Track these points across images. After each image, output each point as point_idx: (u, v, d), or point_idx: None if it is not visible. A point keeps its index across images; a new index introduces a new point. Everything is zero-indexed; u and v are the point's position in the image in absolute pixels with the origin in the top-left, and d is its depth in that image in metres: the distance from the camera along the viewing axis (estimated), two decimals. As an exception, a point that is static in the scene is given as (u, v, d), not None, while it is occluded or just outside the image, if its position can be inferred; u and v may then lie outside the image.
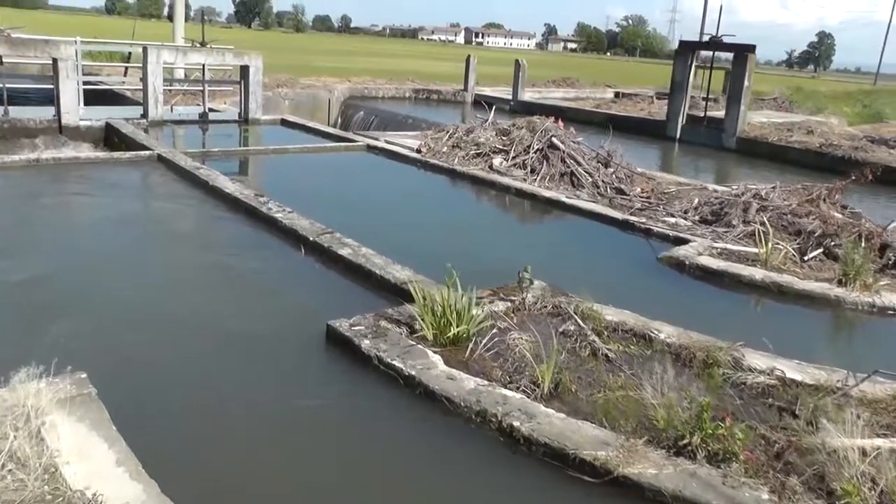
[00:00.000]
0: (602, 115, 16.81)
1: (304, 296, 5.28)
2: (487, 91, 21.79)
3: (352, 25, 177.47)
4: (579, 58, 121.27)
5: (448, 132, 11.51)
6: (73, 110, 11.13)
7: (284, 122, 13.32)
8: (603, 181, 9.68)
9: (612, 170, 10.08)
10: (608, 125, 15.61)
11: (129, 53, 16.94)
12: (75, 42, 11.21)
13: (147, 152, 9.35)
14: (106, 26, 41.74)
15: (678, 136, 15.48)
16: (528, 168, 9.81)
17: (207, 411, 3.59)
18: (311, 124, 13.06)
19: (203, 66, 12.67)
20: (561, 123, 10.94)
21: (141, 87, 13.45)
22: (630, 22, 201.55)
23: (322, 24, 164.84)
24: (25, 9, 79.42)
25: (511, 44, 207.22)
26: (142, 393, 3.70)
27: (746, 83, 14.39)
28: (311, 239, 6.21)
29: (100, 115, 11.67)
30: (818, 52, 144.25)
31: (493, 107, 11.65)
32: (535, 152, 9.95)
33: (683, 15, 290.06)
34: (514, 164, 9.89)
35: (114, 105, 12.95)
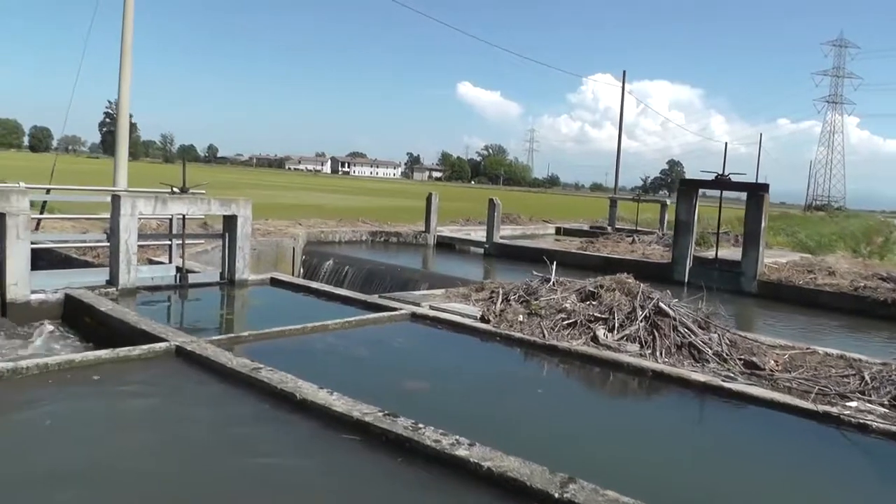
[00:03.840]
0: (596, 258, 15.64)
1: None
2: (446, 232, 20.32)
3: (218, 155, 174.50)
4: (452, 187, 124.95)
5: (498, 293, 9.67)
6: (23, 280, 8.30)
7: (275, 282, 10.94)
8: (727, 353, 8.15)
9: (715, 335, 8.59)
10: (605, 269, 14.50)
11: (44, 203, 14.05)
12: (27, 190, 8.53)
13: (161, 345, 6.75)
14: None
15: (686, 279, 14.46)
16: (641, 341, 8.09)
17: None
18: (314, 285, 10.78)
19: (183, 217, 10.22)
20: (632, 278, 9.47)
21: (92, 243, 10.81)
22: (490, 151, 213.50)
23: (188, 153, 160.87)
24: None
25: (377, 173, 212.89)
26: None
27: (763, 224, 13.76)
28: (556, 495, 4.04)
29: (55, 284, 8.86)
30: (670, 179, 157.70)
31: (554, 263, 9.93)
32: (643, 320, 8.28)
33: (540, 144, 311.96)
34: (624, 337, 8.13)
35: (63, 269, 10.08)
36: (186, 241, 11.54)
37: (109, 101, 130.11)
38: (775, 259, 15.65)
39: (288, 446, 4.95)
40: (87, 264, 11.37)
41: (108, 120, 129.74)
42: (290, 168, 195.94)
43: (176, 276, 10.08)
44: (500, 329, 8.40)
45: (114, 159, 14.12)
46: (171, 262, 10.82)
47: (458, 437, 4.77)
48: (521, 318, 8.65)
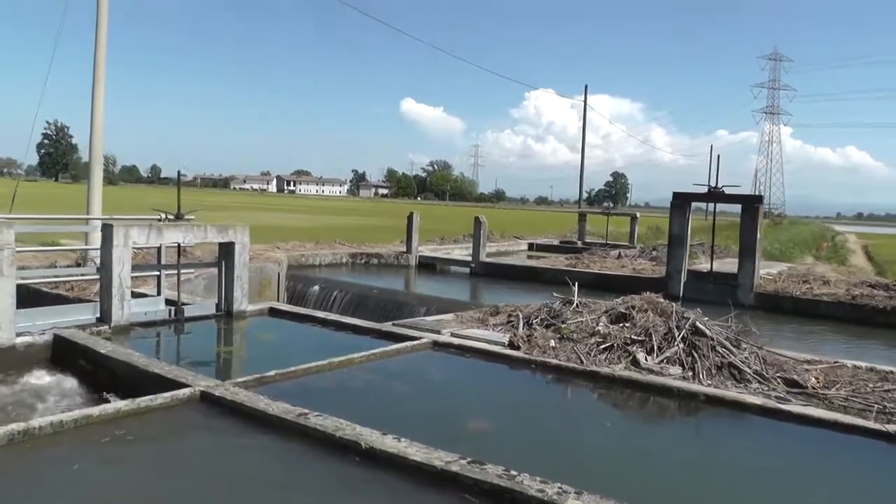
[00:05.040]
0: (589, 274, 15.34)
1: None
2: (427, 251, 19.81)
3: (161, 176, 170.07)
4: (400, 203, 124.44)
5: (518, 317, 9.25)
6: (7, 322, 7.49)
7: (274, 312, 10.27)
8: (765, 371, 7.89)
9: (747, 353, 8.34)
10: (599, 286, 14.26)
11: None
12: (12, 221, 7.72)
13: (185, 391, 6.08)
14: None
15: (681, 293, 14.29)
16: (681, 363, 7.76)
17: None
18: (318, 314, 10.11)
19: (178, 245, 9.50)
20: (658, 297, 9.19)
21: (82, 277, 10.03)
22: (436, 167, 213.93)
23: (130, 174, 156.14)
24: None
25: (323, 191, 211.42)
26: None
27: (759, 235, 13.71)
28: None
29: (39, 324, 8.07)
30: (614, 190, 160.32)
31: (576, 284, 9.54)
32: (681, 342, 7.96)
33: (484, 159, 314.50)
34: (664, 359, 7.78)
35: (36, 306, 9.20)
36: (171, 272, 10.78)
37: (48, 122, 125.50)
38: (766, 270, 15.66)
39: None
40: (61, 299, 10.50)
41: (46, 141, 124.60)
42: (235, 188, 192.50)
43: (170, 311, 9.33)
44: (534, 356, 7.95)
45: (87, 185, 13.19)
46: (159, 294, 10.06)
47: (560, 484, 4.30)
48: (552, 343, 8.22)
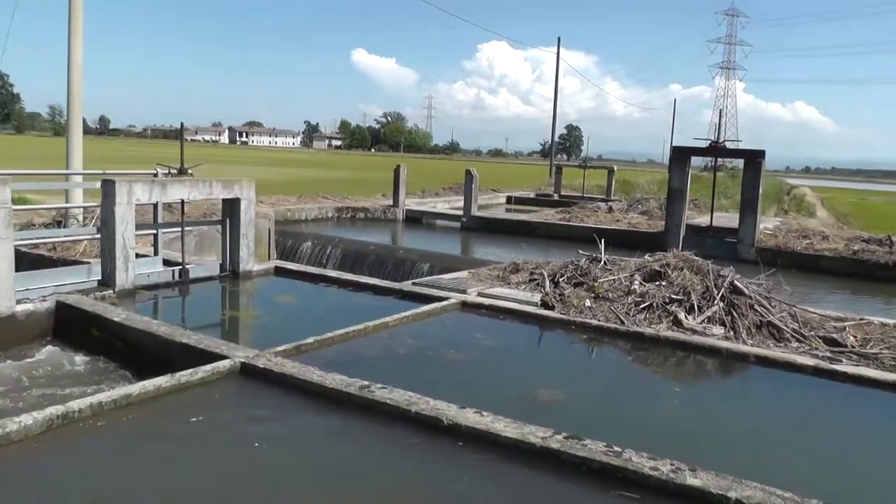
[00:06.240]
0: (586, 229, 15.06)
1: None
2: (413, 205, 19.28)
3: (111, 127, 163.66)
4: (356, 155, 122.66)
5: (543, 275, 8.93)
6: (7, 289, 6.84)
7: (281, 272, 9.75)
8: (803, 330, 7.75)
9: (779, 311, 8.20)
10: (595, 240, 14.01)
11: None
12: (6, 180, 6.97)
13: (224, 363, 5.60)
14: None
15: (681, 248, 14.12)
16: (723, 322, 7.55)
17: None
18: (331, 273, 9.66)
19: (182, 202, 8.86)
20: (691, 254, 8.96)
21: (81, 237, 9.37)
22: (389, 119, 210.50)
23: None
24: None
25: (276, 142, 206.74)
26: None
27: (760, 190, 13.58)
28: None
29: (36, 288, 7.44)
30: (568, 143, 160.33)
31: (602, 241, 9.23)
32: (721, 301, 7.74)
33: (437, 111, 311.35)
34: (705, 319, 7.56)
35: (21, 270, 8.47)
36: (165, 231, 10.11)
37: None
38: (765, 224, 15.61)
39: (481, 489, 4.02)
40: (44, 261, 9.78)
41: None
42: (187, 139, 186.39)
43: (173, 272, 8.73)
44: (571, 316, 7.65)
45: (66, 138, 12.23)
46: (156, 254, 9.42)
47: (671, 460, 4.02)
48: (587, 302, 7.92)
